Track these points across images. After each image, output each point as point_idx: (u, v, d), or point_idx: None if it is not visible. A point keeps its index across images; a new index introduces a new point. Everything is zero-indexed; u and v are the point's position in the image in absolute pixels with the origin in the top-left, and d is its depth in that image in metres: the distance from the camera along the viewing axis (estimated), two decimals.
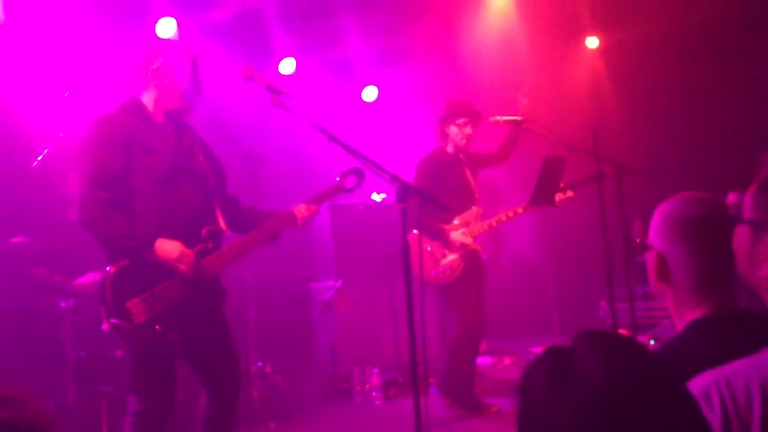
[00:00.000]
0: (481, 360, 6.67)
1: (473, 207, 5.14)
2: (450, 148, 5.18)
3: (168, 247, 3.10)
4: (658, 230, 1.75)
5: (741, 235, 1.44)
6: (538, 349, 6.88)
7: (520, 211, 5.02)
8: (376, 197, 6.91)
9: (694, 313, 1.68)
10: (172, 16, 5.83)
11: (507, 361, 6.60)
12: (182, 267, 3.11)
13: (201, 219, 3.30)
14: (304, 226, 3.59)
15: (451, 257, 5.01)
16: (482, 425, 4.84)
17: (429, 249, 5.01)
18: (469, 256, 5.02)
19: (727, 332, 1.58)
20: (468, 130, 5.10)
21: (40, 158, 4.44)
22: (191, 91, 3.36)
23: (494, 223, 5.07)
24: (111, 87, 4.82)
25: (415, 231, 4.70)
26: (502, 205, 6.28)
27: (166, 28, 5.83)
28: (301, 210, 3.56)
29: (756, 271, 1.39)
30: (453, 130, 5.11)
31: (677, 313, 1.74)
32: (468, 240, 5.00)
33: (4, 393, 1.08)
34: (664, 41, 7.12)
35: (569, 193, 5.00)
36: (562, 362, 0.99)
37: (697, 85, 7.09)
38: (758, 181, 1.40)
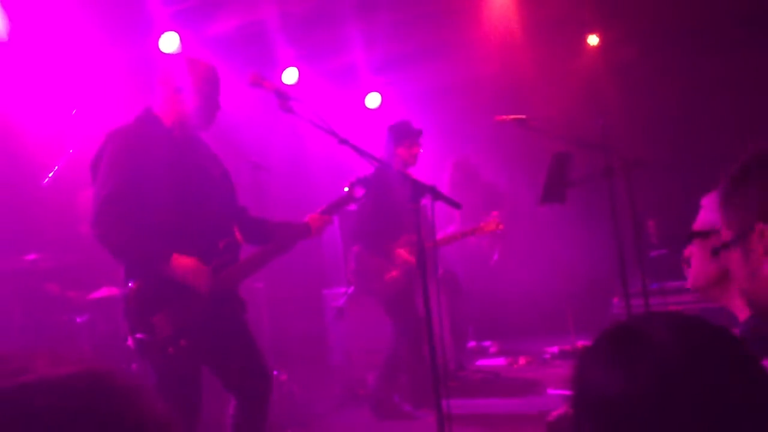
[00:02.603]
0: (495, 361, 6.67)
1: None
2: (398, 167, 5.22)
3: (183, 263, 3.09)
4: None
5: None
6: (554, 349, 6.82)
7: (457, 235, 5.24)
8: None
9: None
10: (174, 30, 5.85)
11: (522, 361, 6.57)
12: (197, 282, 3.11)
13: (218, 232, 3.31)
14: (317, 236, 3.61)
15: (394, 272, 5.16)
16: (503, 427, 4.83)
17: (373, 264, 5.19)
18: (412, 273, 5.13)
19: None
20: (415, 149, 5.26)
21: (50, 175, 4.46)
22: (210, 109, 3.36)
23: (440, 243, 5.21)
24: (117, 102, 4.84)
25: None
26: (504, 205, 6.29)
27: (169, 42, 5.84)
28: (314, 220, 3.58)
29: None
30: (401, 151, 5.25)
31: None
32: (413, 258, 5.10)
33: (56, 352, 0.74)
34: (665, 37, 7.12)
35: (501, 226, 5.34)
36: (626, 338, 0.98)
37: (698, 81, 7.09)
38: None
